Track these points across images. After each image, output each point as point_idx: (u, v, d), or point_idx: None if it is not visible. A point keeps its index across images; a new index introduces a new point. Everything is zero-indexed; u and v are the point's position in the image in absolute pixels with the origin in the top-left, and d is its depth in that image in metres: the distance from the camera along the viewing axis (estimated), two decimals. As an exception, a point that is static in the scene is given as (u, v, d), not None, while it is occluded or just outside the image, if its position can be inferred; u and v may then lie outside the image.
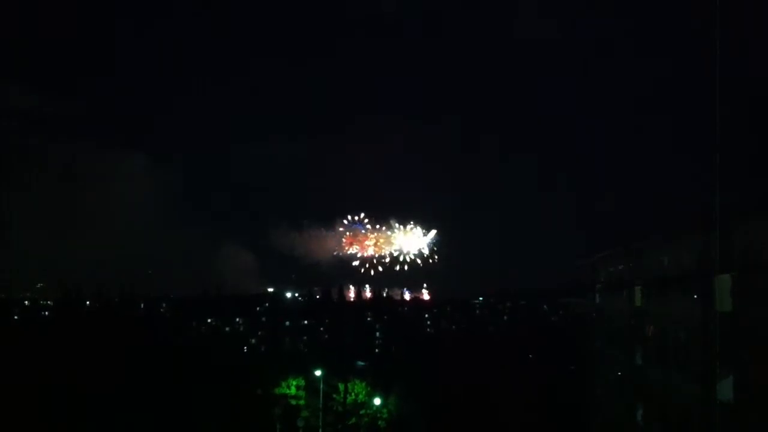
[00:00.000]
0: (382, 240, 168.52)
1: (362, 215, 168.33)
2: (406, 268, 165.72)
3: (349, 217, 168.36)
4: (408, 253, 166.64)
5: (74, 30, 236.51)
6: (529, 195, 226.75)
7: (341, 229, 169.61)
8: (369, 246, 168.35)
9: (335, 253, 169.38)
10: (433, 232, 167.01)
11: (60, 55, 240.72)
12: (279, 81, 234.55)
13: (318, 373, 73.39)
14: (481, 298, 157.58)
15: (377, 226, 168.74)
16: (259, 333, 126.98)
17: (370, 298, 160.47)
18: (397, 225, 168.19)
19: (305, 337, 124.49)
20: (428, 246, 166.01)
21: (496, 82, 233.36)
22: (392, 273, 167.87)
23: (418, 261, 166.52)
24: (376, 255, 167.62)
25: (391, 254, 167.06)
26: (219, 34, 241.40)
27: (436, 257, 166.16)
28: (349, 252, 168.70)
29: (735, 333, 27.74)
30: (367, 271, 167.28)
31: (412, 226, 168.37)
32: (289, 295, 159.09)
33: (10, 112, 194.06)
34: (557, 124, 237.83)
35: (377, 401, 72.98)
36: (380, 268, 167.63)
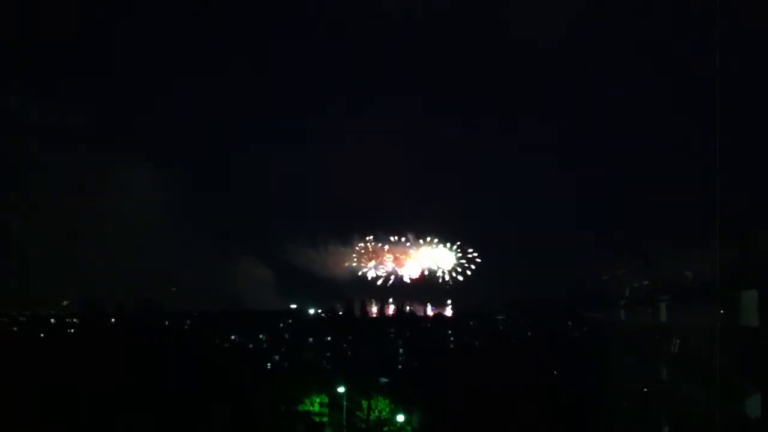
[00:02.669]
0: (400, 255, 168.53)
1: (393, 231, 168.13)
2: (441, 280, 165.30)
3: (393, 238, 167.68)
4: (429, 269, 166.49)
5: (83, 42, 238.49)
6: (552, 207, 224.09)
7: (360, 244, 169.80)
8: (387, 261, 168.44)
9: (358, 271, 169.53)
10: (455, 247, 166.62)
11: (74, 68, 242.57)
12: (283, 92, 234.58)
13: (341, 389, 73.30)
14: (504, 314, 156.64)
15: (394, 239, 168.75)
16: (282, 349, 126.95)
17: (392, 313, 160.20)
18: (419, 240, 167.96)
19: (328, 354, 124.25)
20: (453, 262, 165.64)
21: (511, 85, 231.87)
22: (414, 288, 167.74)
23: (440, 276, 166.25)
24: (396, 270, 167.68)
25: (416, 270, 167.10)
26: (230, 40, 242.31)
27: (459, 271, 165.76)
28: (368, 267, 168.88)
29: (762, 348, 27.38)
30: (386, 286, 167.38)
31: (431, 240, 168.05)
32: (311, 311, 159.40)
33: (25, 127, 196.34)
34: (578, 131, 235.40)
35: (400, 418, 72.68)
36: (402, 283, 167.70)
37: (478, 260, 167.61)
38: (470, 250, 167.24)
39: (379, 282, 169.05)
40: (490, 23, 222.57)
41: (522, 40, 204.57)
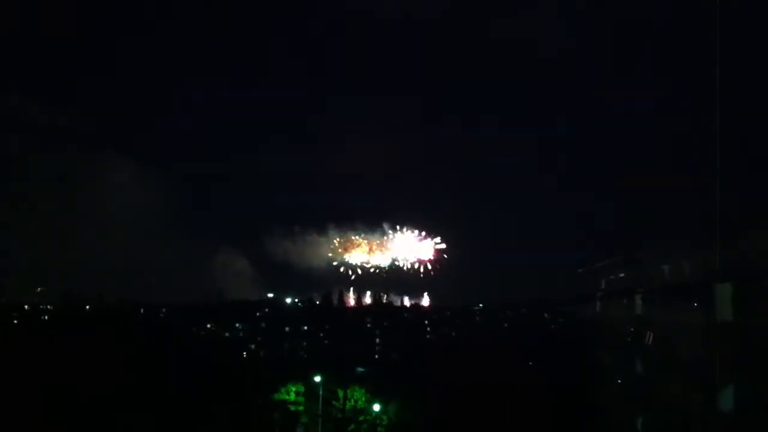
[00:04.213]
0: (375, 245, 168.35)
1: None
2: (417, 271, 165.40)
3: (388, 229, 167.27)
4: (405, 260, 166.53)
5: (71, 37, 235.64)
6: (530, 201, 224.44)
7: (336, 235, 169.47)
8: (363, 252, 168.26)
9: (335, 261, 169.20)
10: (432, 238, 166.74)
11: (56, 61, 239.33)
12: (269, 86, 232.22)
13: (317, 379, 73.23)
14: (481, 305, 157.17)
15: (370, 229, 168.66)
16: (259, 339, 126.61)
17: (369, 304, 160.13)
18: (392, 231, 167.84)
19: (305, 343, 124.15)
20: (429, 252, 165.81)
21: (495, 82, 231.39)
22: (390, 279, 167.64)
23: (417, 267, 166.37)
24: (371, 261, 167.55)
25: (392, 261, 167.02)
26: (214, 38, 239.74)
27: (437, 265, 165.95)
28: (344, 258, 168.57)
29: (736, 341, 27.71)
30: (364, 277, 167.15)
31: (409, 231, 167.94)
32: (288, 300, 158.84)
33: (6, 120, 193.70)
34: (557, 128, 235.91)
35: (376, 407, 72.79)
36: (380, 274, 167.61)
37: (457, 253, 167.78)
38: (445, 244, 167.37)
39: (353, 274, 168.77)
40: (489, 23, 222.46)
41: (522, 40, 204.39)
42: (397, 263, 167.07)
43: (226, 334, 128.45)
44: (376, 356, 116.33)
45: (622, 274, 48.70)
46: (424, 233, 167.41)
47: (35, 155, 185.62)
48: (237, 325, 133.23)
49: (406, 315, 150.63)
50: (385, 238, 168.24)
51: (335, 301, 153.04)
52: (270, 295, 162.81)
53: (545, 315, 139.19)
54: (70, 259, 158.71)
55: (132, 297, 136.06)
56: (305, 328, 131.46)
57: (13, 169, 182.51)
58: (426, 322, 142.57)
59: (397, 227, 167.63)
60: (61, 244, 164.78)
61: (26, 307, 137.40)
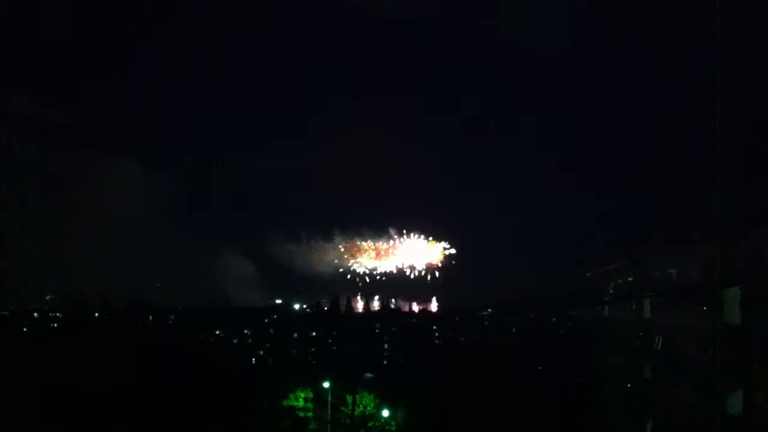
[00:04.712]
0: (384, 251, 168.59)
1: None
2: (425, 276, 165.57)
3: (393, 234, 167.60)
4: (413, 267, 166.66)
5: (73, 35, 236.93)
6: (530, 201, 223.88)
7: (343, 240, 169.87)
8: (370, 257, 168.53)
9: (342, 266, 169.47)
10: (440, 242, 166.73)
11: (59, 60, 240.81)
12: (276, 88, 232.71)
13: (326, 384, 73.31)
14: (489, 310, 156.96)
15: (377, 234, 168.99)
16: (267, 344, 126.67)
17: (377, 309, 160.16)
18: (399, 236, 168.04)
19: (313, 349, 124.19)
20: (438, 258, 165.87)
21: (494, 82, 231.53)
22: (398, 283, 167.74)
23: (425, 274, 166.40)
24: (379, 267, 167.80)
25: (399, 267, 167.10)
26: (214, 38, 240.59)
27: (445, 270, 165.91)
28: (350, 263, 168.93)
29: (744, 346, 27.63)
30: (370, 282, 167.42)
31: (416, 236, 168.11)
32: (297, 306, 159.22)
33: (10, 120, 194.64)
34: (557, 128, 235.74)
35: (385, 413, 72.78)
36: (387, 279, 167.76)
37: (464, 257, 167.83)
38: (454, 248, 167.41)
39: (360, 279, 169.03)
40: (487, 23, 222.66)
41: (522, 40, 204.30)
42: (405, 269, 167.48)
43: (235, 341, 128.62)
44: (385, 362, 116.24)
45: (629, 278, 48.63)
46: (431, 238, 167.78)
47: (35, 155, 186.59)
48: (245, 331, 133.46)
49: (414, 320, 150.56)
50: (392, 243, 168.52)
51: (343, 307, 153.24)
52: (278, 301, 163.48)
53: (553, 319, 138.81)
54: (69, 260, 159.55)
55: (139, 301, 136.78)
56: (313, 333, 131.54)
57: (13, 169, 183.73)
58: (434, 327, 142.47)
59: (404, 232, 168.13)
60: (60, 244, 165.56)
61: (35, 315, 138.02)
